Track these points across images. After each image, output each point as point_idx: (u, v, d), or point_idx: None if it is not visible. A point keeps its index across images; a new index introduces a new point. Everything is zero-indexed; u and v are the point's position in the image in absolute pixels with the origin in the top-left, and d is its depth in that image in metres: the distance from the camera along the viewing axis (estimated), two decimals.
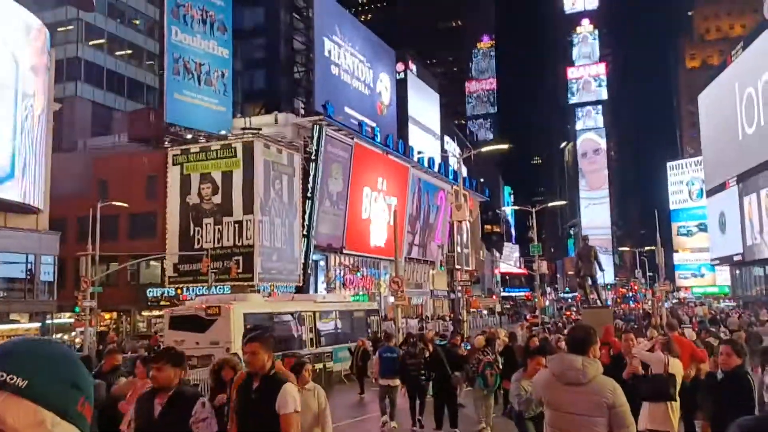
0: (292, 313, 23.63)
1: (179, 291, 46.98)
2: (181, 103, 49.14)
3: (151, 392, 5.03)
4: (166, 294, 47.59)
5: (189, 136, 49.66)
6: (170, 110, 48.79)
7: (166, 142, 49.30)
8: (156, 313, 49.07)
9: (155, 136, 50.10)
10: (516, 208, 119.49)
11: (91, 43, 62.15)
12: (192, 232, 46.90)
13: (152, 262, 47.50)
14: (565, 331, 23.10)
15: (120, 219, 46.72)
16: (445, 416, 13.57)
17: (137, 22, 67.83)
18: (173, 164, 48.12)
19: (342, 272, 55.92)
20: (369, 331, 26.74)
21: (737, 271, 71.78)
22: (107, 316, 49.01)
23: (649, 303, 63.21)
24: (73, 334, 41.50)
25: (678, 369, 7.42)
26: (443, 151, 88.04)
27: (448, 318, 61.40)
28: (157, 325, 48.11)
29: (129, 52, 65.85)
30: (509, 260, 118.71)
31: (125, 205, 40.67)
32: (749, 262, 62.38)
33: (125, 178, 48.28)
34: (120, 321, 50.10)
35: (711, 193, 72.24)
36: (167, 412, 4.81)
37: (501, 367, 15.07)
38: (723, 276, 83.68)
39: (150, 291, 48.08)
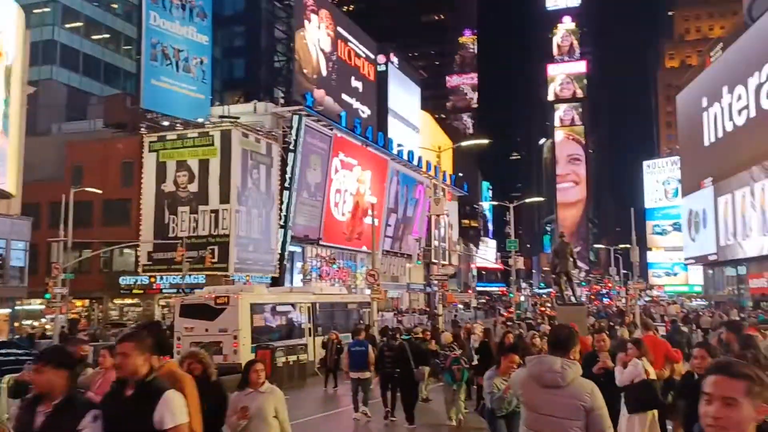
0: (293, 304, 24.73)
1: (153, 279, 46.47)
2: (159, 89, 48.46)
3: (35, 398, 4.19)
4: (139, 282, 47.08)
5: (166, 123, 49.02)
6: (147, 96, 48.11)
7: (143, 129, 48.62)
8: (128, 301, 48.57)
9: (131, 122, 49.39)
10: (494, 203, 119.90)
11: (67, 26, 61.00)
12: (167, 221, 46.37)
13: (126, 250, 46.92)
14: (541, 328, 23.16)
15: (94, 205, 46.06)
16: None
17: (115, 5, 66.72)
18: (149, 151, 47.49)
19: (318, 264, 55.69)
20: (361, 323, 26.72)
21: (710, 271, 72.70)
22: (78, 303, 48.27)
23: (623, 300, 63.79)
24: (44, 320, 40.87)
25: (653, 374, 7.31)
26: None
27: (421, 312, 61.54)
28: (130, 314, 47.68)
29: (106, 36, 64.76)
30: (486, 255, 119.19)
31: (99, 191, 40.04)
32: (722, 262, 63.21)
33: (100, 164, 47.57)
34: (92, 308, 49.43)
35: (686, 192, 73.03)
36: (50, 424, 4.01)
37: (477, 362, 15.09)
38: (696, 275, 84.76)
39: (123, 279, 47.50)
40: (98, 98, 58.71)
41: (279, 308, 23.85)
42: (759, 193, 51.56)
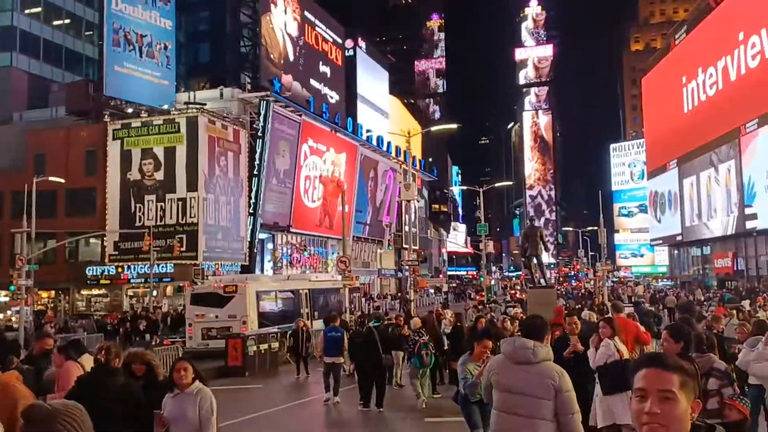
0: (292, 291, 26.61)
1: (120, 269, 45.78)
2: (122, 75, 47.47)
3: None
4: (106, 272, 46.33)
5: (130, 110, 48.11)
6: (110, 83, 47.10)
7: (106, 116, 47.63)
8: (96, 292, 47.78)
9: (94, 109, 48.35)
10: (464, 188, 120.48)
11: (26, 11, 59.27)
12: (133, 209, 45.63)
13: (92, 240, 46.09)
14: (509, 311, 23.32)
15: (57, 195, 45.15)
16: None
17: None
18: (113, 139, 46.57)
19: (289, 251, 55.39)
20: (351, 306, 30.19)
21: (675, 252, 74.00)
22: (44, 294, 47.42)
23: (591, 282, 64.70)
24: (9, 312, 40.04)
25: (626, 354, 7.26)
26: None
27: (393, 297, 61.70)
28: (97, 305, 46.94)
29: (67, 21, 63.11)
30: (456, 239, 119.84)
31: (62, 180, 39.16)
32: (687, 242, 64.33)
33: (63, 152, 46.56)
34: (58, 300, 48.55)
35: (651, 174, 74.06)
36: None
37: (448, 347, 15.14)
38: (661, 256, 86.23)
39: (89, 269, 46.69)
40: (60, 85, 57.29)
41: (280, 295, 25.61)
42: (724, 174, 52.48)
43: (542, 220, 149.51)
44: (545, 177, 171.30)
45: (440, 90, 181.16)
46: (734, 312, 16.32)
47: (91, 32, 63.33)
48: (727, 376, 5.95)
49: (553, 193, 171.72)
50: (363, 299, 50.39)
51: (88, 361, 6.82)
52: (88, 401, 3.99)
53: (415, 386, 13.69)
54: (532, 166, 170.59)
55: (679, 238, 65.43)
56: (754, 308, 21.88)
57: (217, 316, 22.72)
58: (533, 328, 4.99)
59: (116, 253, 45.70)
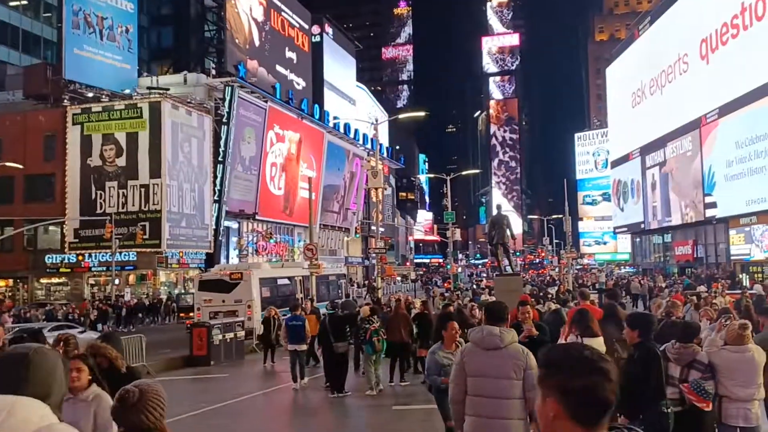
0: (289, 278, 28.79)
1: (81, 257, 44.81)
2: (82, 58, 46.27)
3: None
4: (66, 260, 45.30)
5: (90, 95, 46.97)
6: (69, 66, 45.88)
7: (65, 100, 46.43)
8: (56, 280, 46.70)
9: (53, 93, 47.05)
10: (431, 175, 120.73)
11: None
12: (94, 196, 44.64)
13: (51, 227, 44.98)
14: (479, 299, 23.35)
15: (15, 181, 44.06)
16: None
17: None
18: (73, 124, 45.42)
19: (255, 238, 54.85)
20: (339, 292, 31.76)
21: (637, 240, 75.18)
22: (2, 283, 46.28)
23: (556, 269, 65.47)
24: None
25: (600, 347, 7.07)
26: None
27: (360, 285, 61.63)
28: (57, 294, 45.88)
29: (24, 2, 61.14)
30: (423, 227, 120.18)
31: (20, 166, 38.02)
32: (649, 230, 65.38)
33: (20, 137, 45.24)
34: (16, 288, 47.33)
35: (615, 164, 74.98)
36: None
37: (416, 335, 15.06)
38: (624, 244, 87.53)
39: (49, 257, 45.61)
40: (17, 68, 55.54)
41: (279, 281, 27.57)
42: (685, 163, 53.35)
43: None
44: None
45: (408, 77, 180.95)
46: (693, 298, 16.55)
47: (49, 14, 61.49)
48: (709, 368, 5.90)
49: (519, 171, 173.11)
50: (353, 286, 50.22)
51: None
52: None
53: (369, 373, 13.77)
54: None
55: (640, 226, 66.47)
56: (711, 294, 22.24)
57: (223, 301, 24.57)
58: (496, 313, 5.31)
59: (76, 240, 44.71)
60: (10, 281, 47.14)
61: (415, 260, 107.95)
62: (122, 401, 2.93)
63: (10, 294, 46.06)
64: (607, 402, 1.80)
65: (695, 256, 54.55)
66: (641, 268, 69.13)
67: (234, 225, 53.46)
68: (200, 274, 29.49)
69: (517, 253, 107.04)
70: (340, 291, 32.15)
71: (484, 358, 4.95)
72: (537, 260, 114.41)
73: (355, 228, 77.52)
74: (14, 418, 1.89)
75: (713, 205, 47.90)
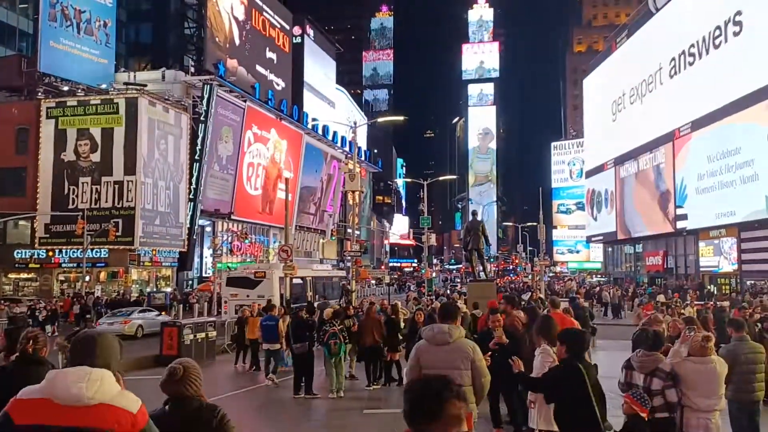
0: (302, 278, 32.01)
1: (51, 253, 44.15)
2: (58, 51, 45.69)
3: None
4: (36, 256, 44.59)
5: (66, 88, 46.35)
6: (45, 59, 45.25)
7: (40, 93, 45.75)
8: (24, 275, 45.95)
9: (27, 86, 46.38)
10: (408, 180, 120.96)
11: None
12: (67, 191, 44.02)
13: (21, 222, 44.25)
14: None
15: None
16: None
17: None
18: (47, 117, 44.78)
19: (229, 238, 54.47)
20: (342, 292, 34.61)
21: (609, 249, 76.08)
22: None
23: (529, 276, 65.94)
24: None
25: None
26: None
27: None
28: (26, 289, 45.13)
29: None
30: (399, 231, 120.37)
31: None
32: (621, 240, 66.20)
33: None
34: None
35: (590, 173, 75.86)
36: None
37: (383, 337, 15.04)
38: (596, 253, 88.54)
39: (18, 252, 44.86)
40: None
41: (294, 281, 29.83)
42: (657, 175, 54.15)
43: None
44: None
45: (387, 81, 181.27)
46: (663, 308, 16.81)
47: (26, 5, 60.50)
48: (671, 377, 5.99)
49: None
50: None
51: None
52: (8, 393, 3.71)
53: (329, 376, 13.85)
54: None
55: (612, 236, 67.27)
56: (678, 304, 22.65)
57: (248, 296, 27.51)
58: (447, 312, 6.04)
59: (47, 236, 44.05)
60: None
61: (390, 264, 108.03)
62: (170, 376, 3.69)
63: None
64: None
65: (665, 266, 55.37)
66: (612, 277, 69.95)
67: (208, 224, 53.09)
68: (228, 272, 33.17)
69: (492, 260, 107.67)
70: (342, 291, 35.33)
71: (436, 353, 5.58)
72: (511, 267, 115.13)
73: (332, 230, 77.40)
74: (107, 382, 2.79)
75: (684, 217, 48.67)
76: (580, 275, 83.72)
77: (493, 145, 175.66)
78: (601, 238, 72.58)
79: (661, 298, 32.30)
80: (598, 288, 49.81)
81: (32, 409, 2.73)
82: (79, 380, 2.74)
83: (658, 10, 53.81)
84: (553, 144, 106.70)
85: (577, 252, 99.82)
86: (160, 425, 3.11)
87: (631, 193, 60.74)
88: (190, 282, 51.57)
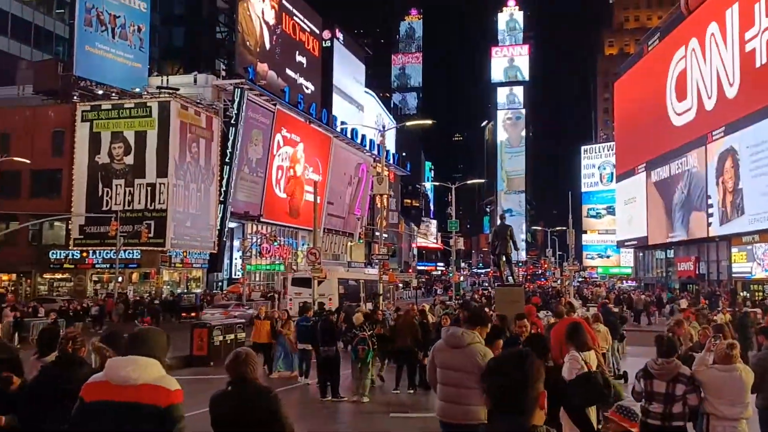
0: (356, 280, 35.87)
1: (85, 254, 45.01)
2: (93, 56, 46.61)
3: None
4: (70, 256, 45.50)
5: (100, 92, 47.28)
6: (80, 63, 46.23)
7: (75, 97, 46.75)
8: (59, 276, 46.87)
9: (63, 89, 47.41)
10: (436, 183, 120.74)
11: None
12: (101, 193, 44.88)
13: (56, 223, 45.19)
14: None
15: (22, 175, 44.26)
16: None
17: None
18: (82, 120, 45.71)
19: (258, 240, 55.00)
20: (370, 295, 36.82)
21: (640, 254, 75.07)
22: (5, 277, 46.44)
23: (558, 281, 65.40)
24: None
25: (594, 364, 6.67)
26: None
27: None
28: (60, 290, 46.04)
29: None
30: (427, 234, 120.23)
31: (27, 161, 38.25)
32: (652, 245, 65.33)
33: (29, 132, 45.56)
34: (19, 283, 47.52)
35: (621, 177, 74.98)
36: None
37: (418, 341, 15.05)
38: (627, 258, 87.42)
39: (53, 253, 45.82)
40: (28, 63, 55.94)
41: (350, 282, 33.48)
42: (689, 180, 53.36)
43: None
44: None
45: (416, 85, 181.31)
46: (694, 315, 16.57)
47: (62, 10, 61.94)
48: (692, 381, 5.99)
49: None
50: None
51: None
52: (53, 392, 4.53)
53: (355, 379, 13.87)
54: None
55: (643, 240, 66.41)
56: (698, 309, 22.33)
57: (310, 294, 28.86)
58: (473, 317, 6.37)
59: (81, 237, 44.93)
60: (14, 276, 47.32)
61: (418, 267, 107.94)
62: (236, 358, 4.35)
63: (12, 288, 46.22)
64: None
65: (697, 272, 54.48)
66: (643, 283, 69.05)
67: (238, 226, 53.65)
68: (292, 272, 36.35)
69: (520, 264, 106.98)
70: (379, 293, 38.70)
71: (449, 354, 5.87)
72: (540, 271, 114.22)
73: (359, 233, 77.64)
74: (150, 367, 3.61)
75: (716, 222, 47.88)
76: (610, 280, 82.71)
77: (524, 133, 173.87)
78: (635, 242, 71.56)
79: (683, 303, 31.83)
80: (627, 294, 49.23)
81: (96, 390, 3.65)
82: (127, 366, 3.61)
83: (690, 12, 53.07)
84: (583, 147, 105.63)
85: (608, 257, 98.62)
86: (223, 403, 4.20)
87: (662, 198, 59.92)
88: (220, 283, 52.14)
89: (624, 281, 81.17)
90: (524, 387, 2.36)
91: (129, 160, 44.88)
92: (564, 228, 62.82)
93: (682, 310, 23.04)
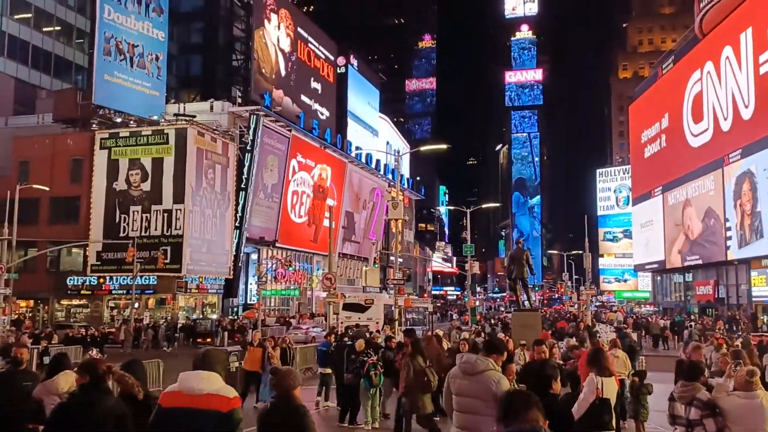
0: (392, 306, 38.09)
1: (102, 280, 45.28)
2: (112, 84, 47.34)
3: None
4: (87, 282, 45.80)
5: (118, 120, 47.93)
6: (99, 91, 46.94)
7: (94, 125, 47.43)
8: (76, 302, 47.14)
9: (82, 117, 48.13)
10: (451, 207, 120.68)
11: (16, 16, 59.06)
12: (118, 219, 45.28)
13: (74, 249, 45.60)
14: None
15: (41, 202, 44.77)
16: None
17: None
18: (100, 148, 46.31)
19: (274, 266, 55.11)
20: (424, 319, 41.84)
21: (658, 278, 74.31)
22: (23, 304, 46.75)
23: (575, 306, 64.80)
24: None
25: (612, 390, 6.78)
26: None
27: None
28: (77, 315, 46.27)
29: (57, 28, 62.89)
30: (441, 259, 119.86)
31: (46, 188, 38.77)
32: (670, 269, 64.68)
33: (48, 160, 46.22)
34: (37, 309, 47.86)
35: (637, 201, 74.54)
36: None
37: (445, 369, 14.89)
38: (645, 282, 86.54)
39: (70, 279, 46.16)
40: (48, 92, 57.01)
41: (393, 308, 35.41)
42: (706, 202, 52.96)
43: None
44: None
45: (430, 109, 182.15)
46: (714, 340, 16.31)
47: (81, 40, 63.17)
48: (708, 406, 5.90)
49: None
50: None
51: (68, 378, 6.51)
52: (76, 421, 4.71)
53: (365, 406, 13.58)
54: None
55: (660, 264, 65.77)
56: (730, 335, 21.97)
57: (360, 318, 34.95)
58: (490, 345, 6.40)
59: (98, 263, 45.25)
60: (32, 302, 47.67)
61: (433, 292, 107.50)
62: (277, 373, 5.10)
63: (30, 315, 46.55)
64: None
65: (716, 296, 53.79)
66: (661, 307, 68.24)
67: (254, 252, 53.81)
68: (343, 298, 38.73)
69: (536, 288, 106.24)
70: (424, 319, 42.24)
71: (463, 381, 5.89)
72: (556, 296, 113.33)
73: (374, 258, 77.57)
74: (212, 380, 4.43)
75: (735, 245, 47.36)
76: (628, 305, 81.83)
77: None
78: (653, 266, 70.87)
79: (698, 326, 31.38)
80: (644, 319, 48.65)
81: (171, 398, 4.47)
82: (195, 378, 4.44)
83: (704, 35, 53.09)
84: (598, 171, 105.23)
85: (625, 281, 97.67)
86: (268, 415, 4.86)
87: (680, 221, 59.44)
88: (236, 309, 52.20)
89: (642, 305, 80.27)
90: None
91: (146, 186, 45.32)
92: (580, 252, 62.43)
93: (711, 335, 22.66)
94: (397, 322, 31.24)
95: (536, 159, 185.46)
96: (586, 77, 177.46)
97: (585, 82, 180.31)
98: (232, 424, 4.35)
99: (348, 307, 36.06)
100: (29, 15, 59.91)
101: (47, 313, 47.35)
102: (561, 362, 10.69)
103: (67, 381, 6.50)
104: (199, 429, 4.30)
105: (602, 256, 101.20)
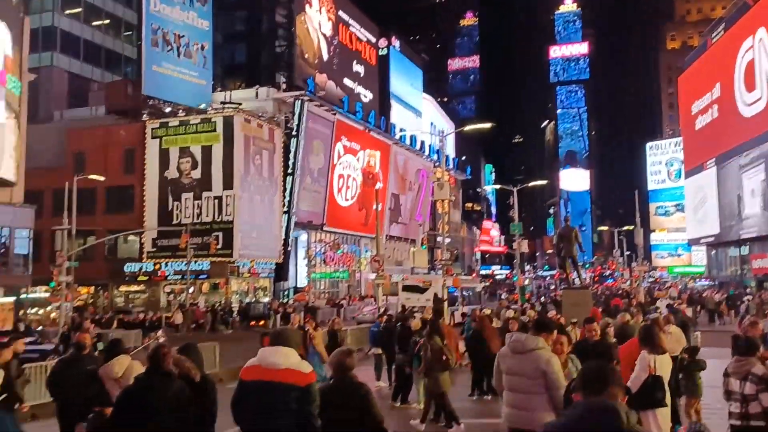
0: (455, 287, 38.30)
1: (157, 266, 46.60)
2: (160, 75, 48.32)
3: None
4: (144, 269, 47.19)
5: (168, 110, 48.95)
6: (148, 82, 47.99)
7: (144, 115, 48.57)
8: (134, 288, 48.67)
9: (133, 108, 49.33)
10: (497, 186, 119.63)
11: (67, 12, 60.63)
12: (171, 207, 46.43)
13: (130, 237, 46.99)
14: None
15: (97, 192, 46.10)
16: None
17: None
18: (152, 137, 47.46)
19: (323, 249, 55.78)
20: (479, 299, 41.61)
21: (713, 252, 72.54)
22: (83, 290, 48.48)
23: (627, 282, 63.85)
24: (49, 308, 40.98)
25: (666, 367, 6.70)
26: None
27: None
28: (135, 301, 47.78)
29: (106, 22, 64.41)
30: (489, 238, 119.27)
31: (101, 178, 39.89)
32: (725, 242, 63.07)
33: (102, 150, 47.56)
34: (97, 295, 49.62)
35: (689, 174, 72.68)
36: None
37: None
38: (698, 256, 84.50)
39: (128, 266, 47.63)
40: (99, 85, 58.55)
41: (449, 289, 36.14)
42: (761, 173, 51.38)
43: None
44: None
45: (474, 88, 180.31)
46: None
47: (130, 32, 64.55)
48: (764, 380, 5.89)
49: None
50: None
51: (122, 362, 6.75)
52: (141, 405, 4.91)
53: (417, 386, 13.41)
54: None
55: (715, 238, 64.18)
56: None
57: (418, 299, 33.96)
58: (538, 324, 6.47)
59: (154, 250, 46.55)
60: (92, 289, 49.41)
61: (482, 271, 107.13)
62: (337, 352, 5.43)
63: (91, 301, 48.29)
64: None
65: None
66: (717, 281, 66.67)
67: (302, 235, 54.53)
68: (404, 280, 40.40)
69: (587, 265, 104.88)
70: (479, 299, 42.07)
71: (513, 360, 5.96)
72: (608, 273, 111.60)
73: (422, 239, 77.70)
74: (290, 355, 4.84)
75: None
76: (682, 280, 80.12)
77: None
78: (708, 239, 69.13)
79: (748, 298, 30.57)
80: (699, 293, 47.64)
81: (251, 372, 4.88)
82: (273, 354, 4.85)
83: (756, 1, 51.20)
84: (648, 144, 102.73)
85: (678, 256, 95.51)
86: (329, 393, 5.03)
87: (735, 193, 57.81)
88: (286, 292, 53.11)
89: (697, 280, 78.50)
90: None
91: (196, 174, 46.29)
92: (631, 227, 61.33)
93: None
94: (446, 302, 31.41)
95: (584, 133, 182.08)
96: (633, 50, 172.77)
97: (632, 54, 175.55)
98: (310, 397, 4.69)
99: (408, 288, 37.03)
100: (79, 10, 61.45)
101: (107, 299, 49.03)
102: (615, 340, 10.68)
103: (121, 365, 6.71)
104: (280, 400, 4.65)
105: (654, 231, 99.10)
